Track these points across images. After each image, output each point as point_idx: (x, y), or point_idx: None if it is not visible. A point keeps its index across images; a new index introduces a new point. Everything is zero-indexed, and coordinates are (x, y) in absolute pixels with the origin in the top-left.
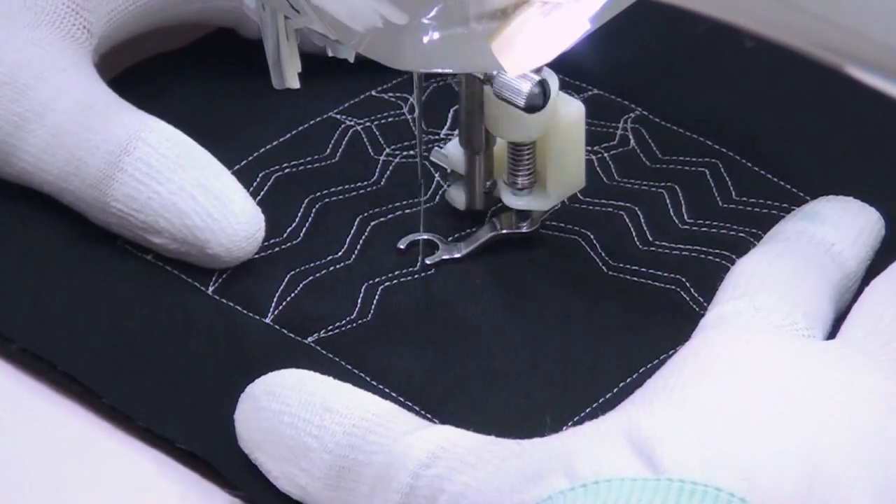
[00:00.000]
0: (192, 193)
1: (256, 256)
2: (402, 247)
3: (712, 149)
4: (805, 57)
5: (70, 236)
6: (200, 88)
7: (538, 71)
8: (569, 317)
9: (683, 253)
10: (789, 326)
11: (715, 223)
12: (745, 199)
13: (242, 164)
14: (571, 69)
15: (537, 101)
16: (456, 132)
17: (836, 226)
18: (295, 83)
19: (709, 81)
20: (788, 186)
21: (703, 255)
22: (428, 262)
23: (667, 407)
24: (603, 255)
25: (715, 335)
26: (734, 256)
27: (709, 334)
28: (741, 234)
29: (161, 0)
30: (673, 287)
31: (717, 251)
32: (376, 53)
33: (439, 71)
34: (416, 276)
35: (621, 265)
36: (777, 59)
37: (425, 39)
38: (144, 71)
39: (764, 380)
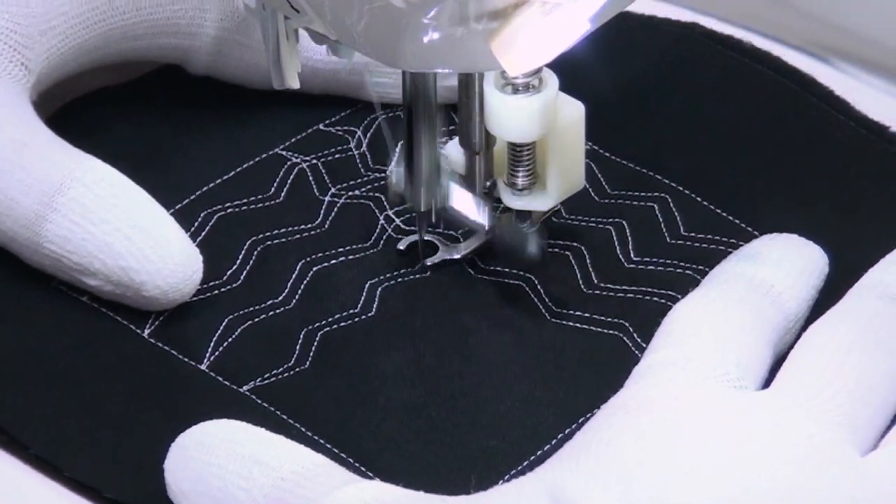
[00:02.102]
0: (128, 234)
1: (195, 299)
2: (402, 248)
3: (662, 183)
4: (755, 91)
5: (2, 277)
6: (143, 125)
7: (538, 71)
8: (508, 366)
9: (628, 295)
10: (720, 378)
11: (661, 261)
12: (693, 234)
13: (184, 202)
14: None
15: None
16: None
17: (776, 266)
18: (295, 83)
19: (658, 116)
20: (737, 221)
21: (647, 297)
22: (428, 262)
23: (592, 465)
24: (546, 300)
25: (644, 388)
26: (679, 296)
27: (639, 386)
28: (688, 272)
29: (102, 37)
30: (615, 332)
31: (662, 291)
32: (376, 54)
33: (439, 71)
34: (356, 319)
35: (564, 311)
36: (727, 93)
37: (425, 39)
38: (86, 106)
39: (691, 439)
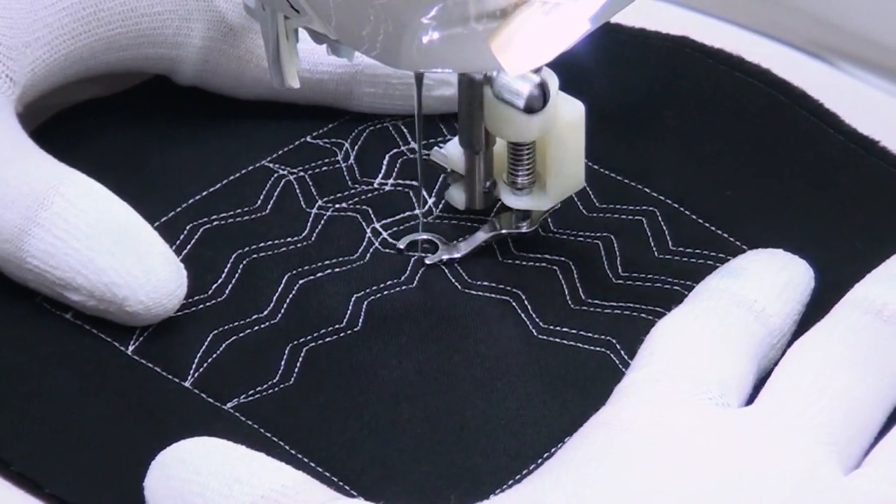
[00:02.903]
0: (111, 250)
1: (180, 314)
2: (401, 246)
3: (650, 196)
4: (745, 104)
5: None
6: (130, 137)
7: (538, 71)
8: (494, 383)
9: (616, 311)
10: (702, 395)
11: (649, 276)
12: (681, 248)
13: (170, 215)
14: None
15: (537, 103)
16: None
17: (760, 281)
18: (295, 83)
19: (648, 129)
20: (726, 235)
21: (635, 314)
22: (428, 262)
23: (573, 483)
24: (533, 316)
25: (626, 405)
26: (667, 312)
27: (622, 404)
28: (676, 288)
29: (88, 48)
30: (603, 350)
31: (649, 307)
32: (376, 54)
33: (439, 71)
34: (341, 334)
35: (551, 327)
36: (716, 106)
37: (425, 39)
38: (71, 119)
39: (673, 458)
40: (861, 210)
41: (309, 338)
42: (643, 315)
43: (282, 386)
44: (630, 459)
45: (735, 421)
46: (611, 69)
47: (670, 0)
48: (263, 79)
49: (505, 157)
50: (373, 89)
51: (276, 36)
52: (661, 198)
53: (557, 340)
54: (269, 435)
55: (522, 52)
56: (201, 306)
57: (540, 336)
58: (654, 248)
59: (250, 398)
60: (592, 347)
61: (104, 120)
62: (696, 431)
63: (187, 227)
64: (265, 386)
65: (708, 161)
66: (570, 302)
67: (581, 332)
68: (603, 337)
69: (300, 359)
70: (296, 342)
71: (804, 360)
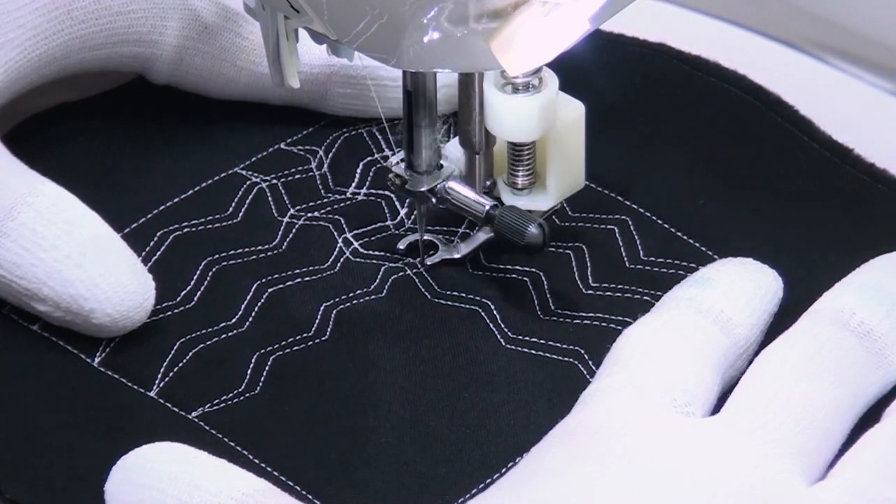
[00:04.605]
0: (78, 261)
1: (148, 320)
2: (401, 247)
3: (623, 205)
4: (720, 111)
5: None
6: (102, 142)
7: (538, 71)
8: (461, 392)
9: (585, 322)
10: (667, 405)
11: (620, 286)
12: (652, 258)
13: (140, 221)
14: None
15: (536, 241)
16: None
17: (726, 291)
18: (295, 83)
19: (622, 137)
20: (698, 245)
21: (604, 324)
22: (428, 262)
23: (534, 494)
24: (502, 325)
25: (590, 415)
26: None
27: (585, 413)
28: (646, 298)
29: (62, 47)
30: (570, 360)
31: (619, 318)
32: (376, 53)
33: (439, 71)
34: (309, 343)
35: (519, 337)
36: (691, 114)
37: (425, 39)
38: (44, 123)
39: (635, 468)
40: (833, 219)
41: (276, 346)
42: (612, 325)
43: (247, 395)
44: (592, 469)
45: (699, 430)
46: (586, 75)
47: None
48: (238, 78)
49: (505, 157)
50: (348, 90)
51: (277, 36)
52: (634, 206)
53: (525, 350)
54: (232, 444)
55: (522, 52)
56: (169, 313)
57: (508, 346)
58: (626, 258)
59: (215, 407)
60: (560, 357)
61: (76, 125)
62: (660, 440)
63: (157, 234)
64: (231, 395)
65: (681, 169)
66: (539, 312)
67: (549, 343)
68: (571, 347)
69: (267, 368)
70: (263, 351)
71: (769, 370)
